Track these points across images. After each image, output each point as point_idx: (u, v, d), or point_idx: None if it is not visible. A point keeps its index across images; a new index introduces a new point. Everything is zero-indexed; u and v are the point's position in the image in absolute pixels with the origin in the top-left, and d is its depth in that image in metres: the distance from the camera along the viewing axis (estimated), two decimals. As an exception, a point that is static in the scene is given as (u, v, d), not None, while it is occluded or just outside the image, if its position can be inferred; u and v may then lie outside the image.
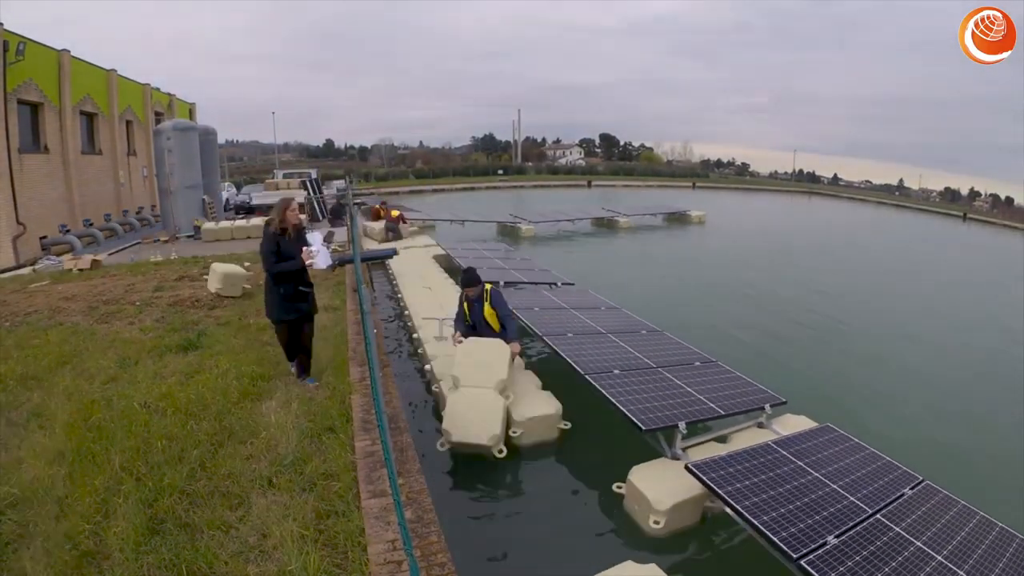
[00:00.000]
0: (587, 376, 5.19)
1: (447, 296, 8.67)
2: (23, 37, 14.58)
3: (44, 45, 15.96)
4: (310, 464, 3.65)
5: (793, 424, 5.03)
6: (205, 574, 2.74)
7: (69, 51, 17.03)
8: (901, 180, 65.48)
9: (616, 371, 5.42)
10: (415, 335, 7.05)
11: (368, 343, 4.32)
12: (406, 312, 8.08)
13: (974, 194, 59.35)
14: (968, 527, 3.56)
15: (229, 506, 3.26)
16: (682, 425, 4.48)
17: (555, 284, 9.77)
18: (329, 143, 78.67)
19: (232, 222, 16.95)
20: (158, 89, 24.96)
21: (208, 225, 15.91)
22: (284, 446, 3.89)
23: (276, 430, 4.10)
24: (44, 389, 4.92)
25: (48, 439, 3.99)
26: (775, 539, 3.14)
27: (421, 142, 79.65)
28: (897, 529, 3.40)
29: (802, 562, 2.99)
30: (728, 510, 3.50)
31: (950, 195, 59.67)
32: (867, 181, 67.40)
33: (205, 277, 9.06)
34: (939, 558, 3.18)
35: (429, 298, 8.59)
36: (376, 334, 6.15)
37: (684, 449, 4.49)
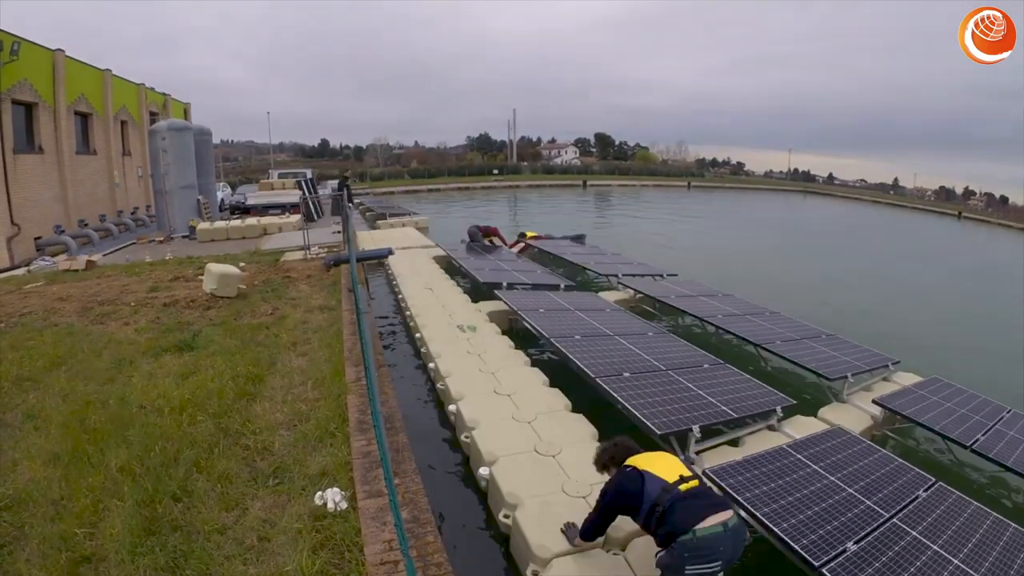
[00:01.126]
0: (598, 380, 5.20)
1: (448, 296, 8.82)
2: (17, 37, 14.49)
3: (39, 45, 15.86)
4: (306, 464, 3.65)
5: (804, 426, 5.01)
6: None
7: (63, 51, 16.93)
8: (896, 179, 65.80)
9: (626, 374, 5.42)
10: (417, 335, 7.08)
11: (364, 343, 4.31)
12: (407, 312, 8.11)
13: (969, 193, 59.65)
14: (983, 528, 3.54)
15: (225, 507, 3.26)
16: (696, 429, 4.40)
17: (559, 287, 9.65)
18: (324, 143, 78.57)
19: (227, 222, 16.89)
20: (153, 89, 24.85)
21: (203, 225, 15.86)
22: (280, 446, 3.89)
23: (272, 431, 4.10)
24: (39, 390, 4.90)
25: (43, 440, 3.98)
26: (796, 547, 3.11)
27: (416, 142, 79.88)
28: (914, 533, 3.38)
29: (824, 570, 2.96)
30: (747, 516, 3.43)
31: (945, 194, 59.95)
32: (862, 180, 67.70)
33: (200, 278, 9.02)
34: (956, 561, 3.17)
35: (431, 299, 8.71)
36: (372, 334, 6.15)
37: (697, 453, 4.42)
